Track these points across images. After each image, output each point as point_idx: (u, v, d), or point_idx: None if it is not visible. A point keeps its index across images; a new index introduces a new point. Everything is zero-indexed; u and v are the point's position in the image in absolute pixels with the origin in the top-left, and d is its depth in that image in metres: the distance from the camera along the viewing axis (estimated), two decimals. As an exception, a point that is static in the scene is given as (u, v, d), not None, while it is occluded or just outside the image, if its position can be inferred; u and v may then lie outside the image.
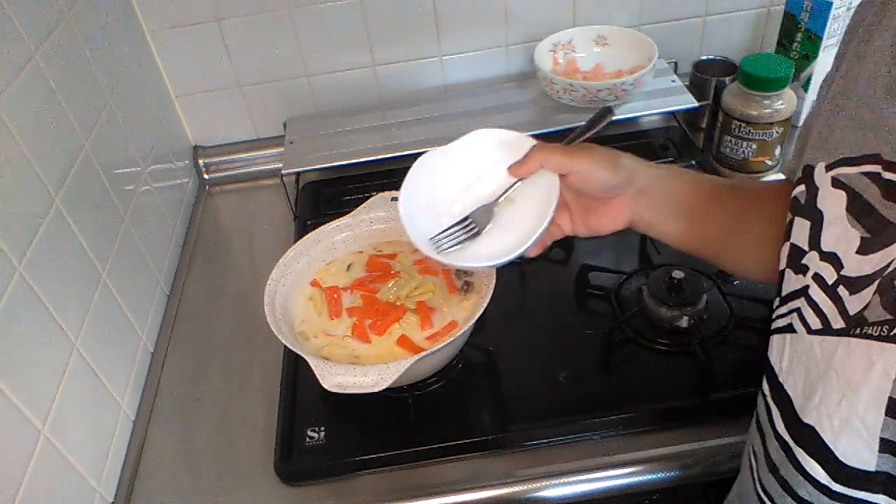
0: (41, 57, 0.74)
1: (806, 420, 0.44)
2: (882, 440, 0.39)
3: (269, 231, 1.09)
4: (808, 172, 0.48)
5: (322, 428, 0.76)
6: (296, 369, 0.82)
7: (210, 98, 1.14)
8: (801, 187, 0.48)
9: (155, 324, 0.93)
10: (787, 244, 0.49)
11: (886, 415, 0.38)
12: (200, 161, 1.18)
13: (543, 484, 0.70)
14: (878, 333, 0.39)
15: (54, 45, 0.77)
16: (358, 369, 0.66)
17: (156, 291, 0.95)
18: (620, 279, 0.87)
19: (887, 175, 0.42)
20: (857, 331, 0.41)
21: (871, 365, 0.39)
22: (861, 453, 0.40)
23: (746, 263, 0.64)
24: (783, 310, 0.48)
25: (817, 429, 0.43)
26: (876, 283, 0.41)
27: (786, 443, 0.46)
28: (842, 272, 0.44)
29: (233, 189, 1.19)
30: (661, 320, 0.80)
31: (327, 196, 1.10)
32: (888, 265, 0.41)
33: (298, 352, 0.69)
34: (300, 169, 1.06)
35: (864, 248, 0.43)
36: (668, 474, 0.71)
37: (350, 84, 1.14)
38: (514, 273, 0.92)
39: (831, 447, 0.42)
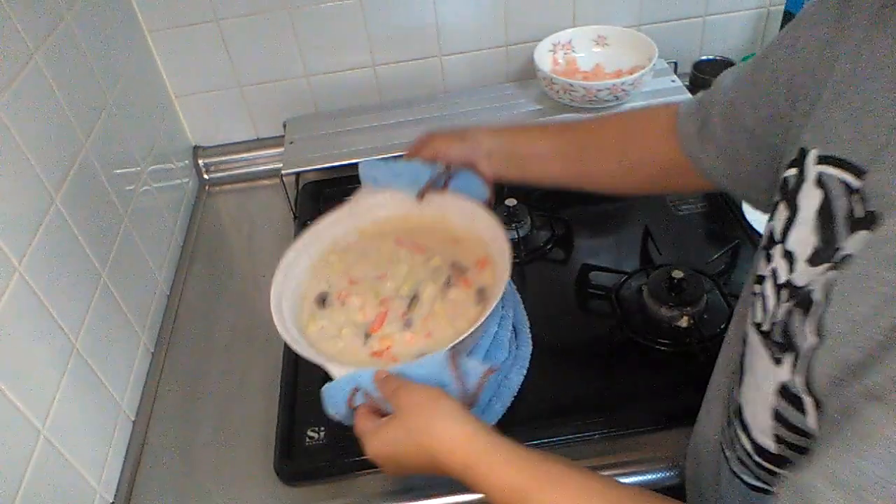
0: (41, 57, 0.74)
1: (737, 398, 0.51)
2: (775, 436, 0.45)
3: (269, 231, 1.09)
4: (802, 156, 0.45)
5: (322, 428, 0.76)
6: (296, 369, 0.82)
7: (210, 98, 1.14)
8: (794, 171, 0.46)
9: (155, 324, 0.93)
10: (769, 225, 0.49)
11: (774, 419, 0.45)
12: (200, 161, 1.18)
13: (543, 484, 0.70)
14: (770, 355, 0.45)
15: (54, 45, 0.77)
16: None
17: (156, 291, 0.95)
18: (620, 279, 0.87)
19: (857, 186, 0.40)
20: (769, 342, 0.45)
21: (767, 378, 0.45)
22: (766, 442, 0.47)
23: (597, 180, 0.74)
24: (757, 288, 0.49)
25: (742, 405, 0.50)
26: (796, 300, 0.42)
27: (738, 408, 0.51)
28: (791, 276, 0.44)
29: (233, 189, 1.19)
30: (661, 320, 0.80)
31: (327, 196, 1.10)
32: (806, 285, 0.41)
33: (315, 359, 0.64)
34: (300, 169, 1.06)
35: (813, 259, 0.42)
36: (668, 474, 0.71)
37: (350, 84, 1.14)
38: (513, 273, 0.92)
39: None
